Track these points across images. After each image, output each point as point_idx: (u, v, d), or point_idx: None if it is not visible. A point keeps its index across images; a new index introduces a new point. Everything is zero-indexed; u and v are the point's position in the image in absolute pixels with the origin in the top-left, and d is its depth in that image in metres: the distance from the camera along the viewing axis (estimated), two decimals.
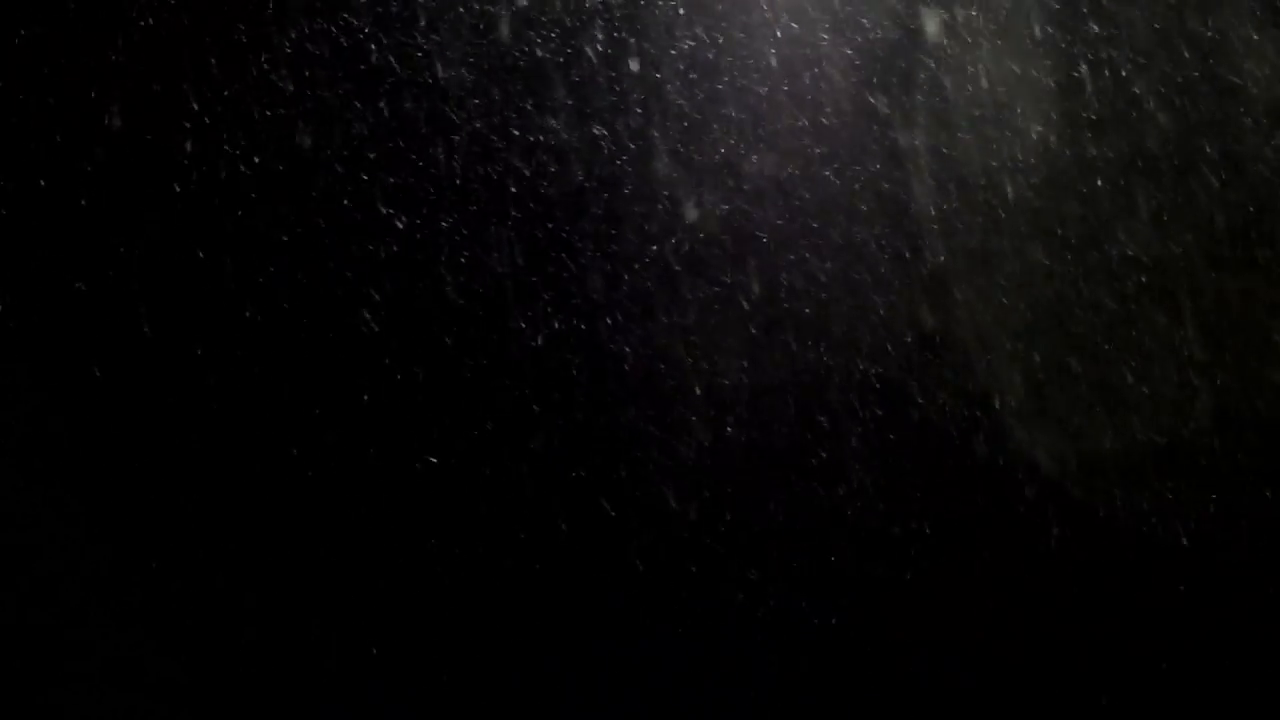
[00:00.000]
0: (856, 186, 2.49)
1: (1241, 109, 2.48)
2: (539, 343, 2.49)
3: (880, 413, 2.50)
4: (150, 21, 2.42)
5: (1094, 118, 2.47)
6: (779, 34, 2.48)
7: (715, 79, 2.47)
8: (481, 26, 2.45)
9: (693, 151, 2.48)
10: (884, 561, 2.51)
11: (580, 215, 2.49)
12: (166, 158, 2.46)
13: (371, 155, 2.45)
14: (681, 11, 2.47)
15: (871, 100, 2.48)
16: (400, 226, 2.45)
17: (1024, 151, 2.48)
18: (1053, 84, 2.48)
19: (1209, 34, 2.47)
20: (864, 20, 2.48)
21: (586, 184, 2.47)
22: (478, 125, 2.45)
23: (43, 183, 2.43)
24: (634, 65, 2.46)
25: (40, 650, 2.46)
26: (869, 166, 2.49)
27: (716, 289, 2.50)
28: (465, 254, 2.48)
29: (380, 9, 2.44)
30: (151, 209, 2.47)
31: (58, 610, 2.48)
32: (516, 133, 2.46)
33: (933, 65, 2.47)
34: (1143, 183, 2.47)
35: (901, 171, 2.48)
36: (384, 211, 2.45)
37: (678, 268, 2.50)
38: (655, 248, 2.49)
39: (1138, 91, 2.45)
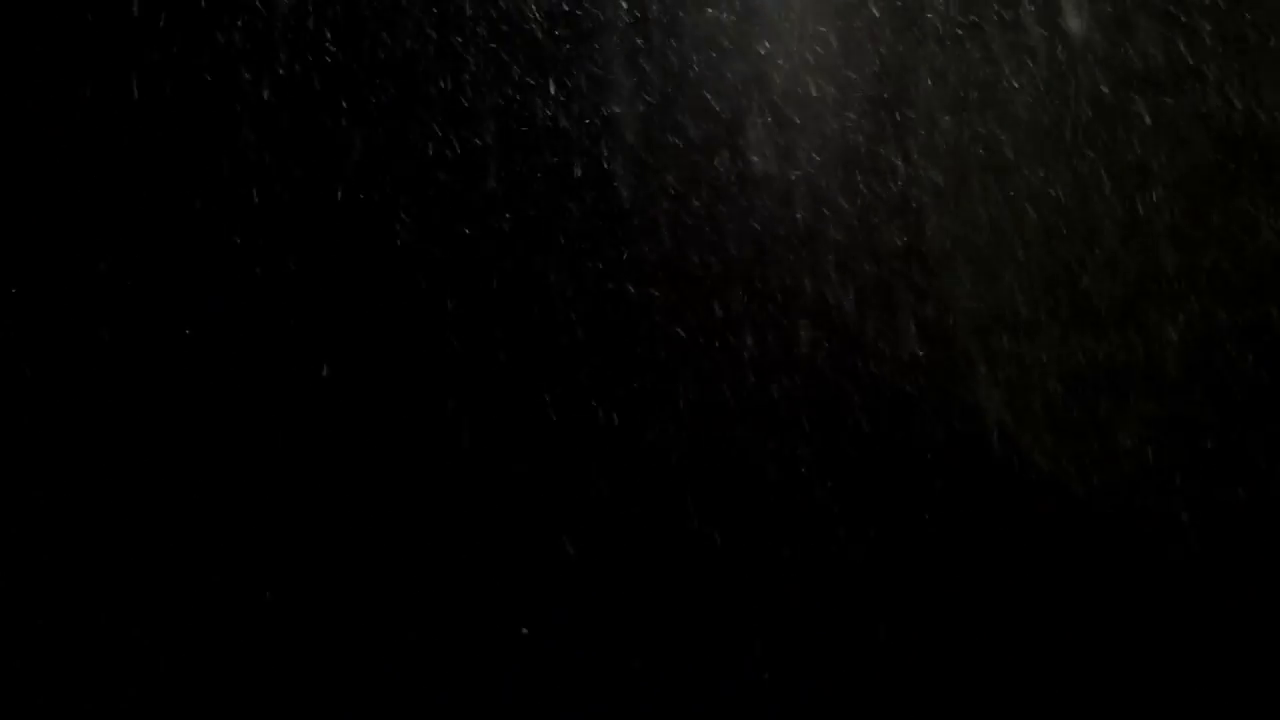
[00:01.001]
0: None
1: None
2: (538, 332, 2.49)
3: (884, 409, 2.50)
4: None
5: None
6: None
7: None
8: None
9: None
10: (883, 550, 2.51)
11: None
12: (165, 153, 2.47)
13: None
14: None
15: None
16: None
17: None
18: None
19: None
20: None
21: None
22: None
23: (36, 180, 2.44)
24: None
25: (40, 650, 2.45)
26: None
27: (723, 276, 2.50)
28: (462, 248, 2.49)
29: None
30: (150, 207, 2.48)
31: (57, 610, 2.47)
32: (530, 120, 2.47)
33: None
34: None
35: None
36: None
37: (682, 251, 2.50)
38: (660, 234, 2.50)
39: None
